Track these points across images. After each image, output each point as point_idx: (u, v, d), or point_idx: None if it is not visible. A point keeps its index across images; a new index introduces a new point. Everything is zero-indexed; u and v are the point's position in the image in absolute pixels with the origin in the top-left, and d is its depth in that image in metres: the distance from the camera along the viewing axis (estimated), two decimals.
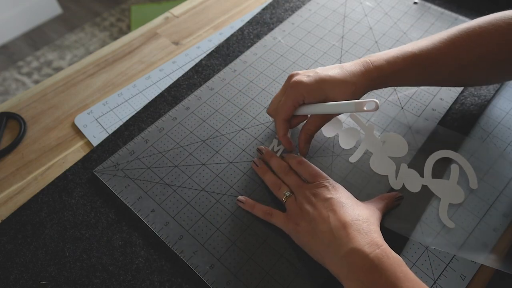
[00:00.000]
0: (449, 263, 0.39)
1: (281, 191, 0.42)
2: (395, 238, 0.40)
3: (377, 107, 0.38)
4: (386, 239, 0.35)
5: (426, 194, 0.43)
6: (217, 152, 0.48)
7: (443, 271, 0.39)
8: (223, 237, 0.41)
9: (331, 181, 0.41)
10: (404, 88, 0.53)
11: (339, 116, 0.49)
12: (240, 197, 0.44)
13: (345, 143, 0.48)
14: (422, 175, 0.44)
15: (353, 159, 0.46)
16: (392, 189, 0.44)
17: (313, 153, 0.47)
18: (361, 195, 0.43)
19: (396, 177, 0.45)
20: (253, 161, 0.46)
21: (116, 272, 0.40)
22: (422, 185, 0.44)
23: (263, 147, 0.47)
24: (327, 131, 0.49)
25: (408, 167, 0.45)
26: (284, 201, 0.41)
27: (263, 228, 0.42)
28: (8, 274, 0.40)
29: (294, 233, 0.39)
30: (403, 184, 0.44)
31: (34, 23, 1.92)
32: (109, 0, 2.06)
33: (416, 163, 0.45)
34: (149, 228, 0.42)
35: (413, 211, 0.42)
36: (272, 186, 0.43)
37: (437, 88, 0.53)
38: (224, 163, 0.47)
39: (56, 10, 1.98)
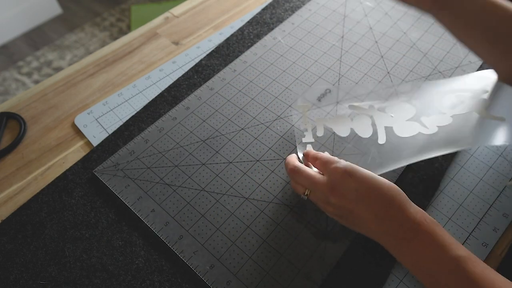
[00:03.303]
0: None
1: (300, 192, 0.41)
2: None
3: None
4: None
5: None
6: (217, 152, 0.48)
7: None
8: (223, 237, 0.41)
9: (340, 164, 0.38)
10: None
11: (342, 113, 0.50)
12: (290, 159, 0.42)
13: (363, 133, 0.47)
14: (441, 112, 0.46)
15: (381, 140, 0.46)
16: (431, 135, 0.44)
17: (350, 154, 0.47)
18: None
19: (426, 126, 0.45)
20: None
21: (116, 272, 0.40)
22: (450, 116, 0.45)
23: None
24: (341, 131, 0.48)
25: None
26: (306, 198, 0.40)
27: (263, 228, 0.42)
28: (8, 274, 0.40)
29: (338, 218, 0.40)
30: (437, 126, 0.45)
31: (34, 23, 1.92)
32: (109, 0, 2.06)
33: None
34: (149, 228, 0.42)
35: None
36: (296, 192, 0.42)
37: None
38: (224, 163, 0.47)
39: (56, 10, 1.97)
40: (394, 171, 0.45)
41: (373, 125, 0.48)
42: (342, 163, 0.38)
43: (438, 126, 0.45)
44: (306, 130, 0.48)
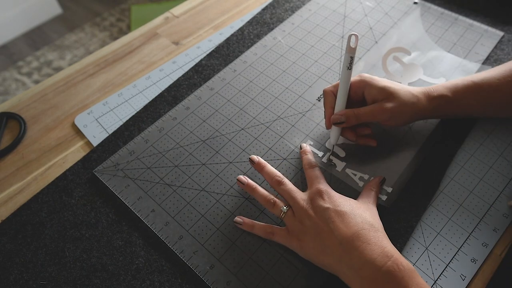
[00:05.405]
0: (449, 263, 0.39)
1: (276, 207, 0.40)
2: (396, 237, 0.40)
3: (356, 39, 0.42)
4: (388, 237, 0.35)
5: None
6: (217, 152, 0.48)
7: (443, 271, 0.39)
8: (223, 237, 0.41)
9: (323, 185, 0.40)
10: None
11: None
12: (237, 218, 0.41)
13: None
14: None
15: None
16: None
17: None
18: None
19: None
20: (237, 179, 0.43)
21: (116, 272, 0.40)
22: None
23: (255, 156, 0.44)
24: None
25: (409, 168, 0.46)
26: (282, 217, 0.39)
27: None
28: (8, 274, 0.40)
29: (299, 249, 0.38)
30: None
31: (34, 23, 1.93)
32: (109, 0, 2.06)
33: (416, 162, 0.46)
34: (149, 228, 0.42)
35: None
36: (265, 203, 0.41)
37: None
38: (224, 163, 0.47)
39: (56, 10, 1.98)
40: (394, 171, 0.45)
41: None
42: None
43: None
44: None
